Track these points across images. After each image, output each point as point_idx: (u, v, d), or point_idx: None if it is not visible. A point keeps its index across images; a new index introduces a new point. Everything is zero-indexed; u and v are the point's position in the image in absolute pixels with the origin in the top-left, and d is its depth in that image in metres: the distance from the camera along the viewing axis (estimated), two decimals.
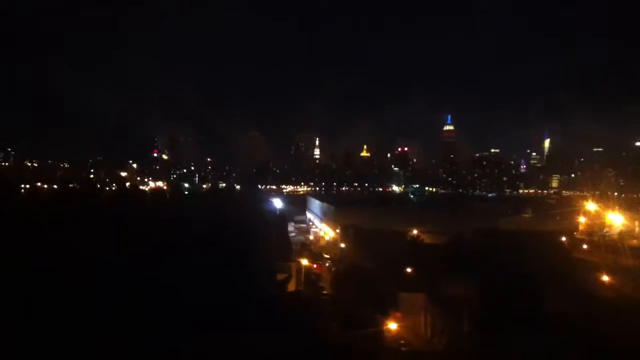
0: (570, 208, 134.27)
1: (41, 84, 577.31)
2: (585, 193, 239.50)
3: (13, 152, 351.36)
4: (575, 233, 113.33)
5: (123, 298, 33.56)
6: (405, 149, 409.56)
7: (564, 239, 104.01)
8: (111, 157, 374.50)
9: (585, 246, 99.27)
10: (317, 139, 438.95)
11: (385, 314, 54.07)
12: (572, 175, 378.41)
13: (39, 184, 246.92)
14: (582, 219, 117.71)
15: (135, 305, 33.22)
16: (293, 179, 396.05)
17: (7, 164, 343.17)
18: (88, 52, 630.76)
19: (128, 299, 33.50)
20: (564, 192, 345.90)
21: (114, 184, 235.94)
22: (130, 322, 31.05)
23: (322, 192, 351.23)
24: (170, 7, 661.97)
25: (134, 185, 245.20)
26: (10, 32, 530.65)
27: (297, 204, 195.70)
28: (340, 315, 52.89)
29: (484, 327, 47.70)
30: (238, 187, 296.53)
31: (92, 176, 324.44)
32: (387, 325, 53.10)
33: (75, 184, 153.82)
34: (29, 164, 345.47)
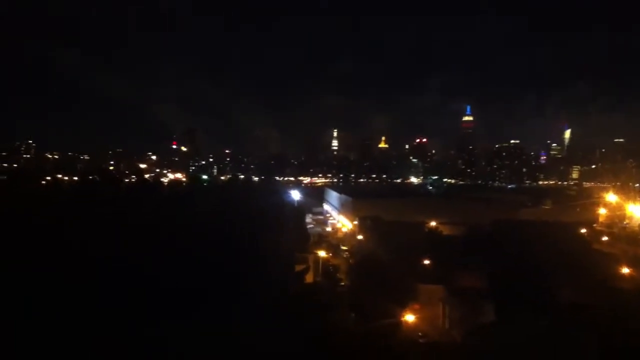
0: (591, 199, 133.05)
1: (62, 77, 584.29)
2: (605, 184, 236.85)
3: (34, 144, 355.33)
4: (595, 224, 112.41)
5: (146, 287, 34.04)
6: (424, 140, 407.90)
7: (583, 230, 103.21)
8: (131, 148, 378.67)
9: (605, 238, 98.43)
10: (335, 130, 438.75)
11: (403, 306, 54.07)
12: (593, 167, 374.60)
13: (59, 175, 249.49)
14: (602, 211, 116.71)
15: (161, 291, 33.73)
16: (311, 170, 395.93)
17: (28, 155, 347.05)
18: (108, 44, 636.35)
19: (151, 288, 33.98)
20: (584, 183, 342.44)
21: (133, 176, 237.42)
22: (154, 308, 31.57)
23: (340, 183, 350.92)
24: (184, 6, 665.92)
25: (154, 178, 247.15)
26: (29, 25, 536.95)
27: (315, 195, 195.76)
28: (357, 307, 52.99)
29: (502, 318, 47.59)
30: (256, 178, 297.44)
31: (111, 168, 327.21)
32: (404, 316, 53.15)
33: (95, 176, 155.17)
34: (50, 156, 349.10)
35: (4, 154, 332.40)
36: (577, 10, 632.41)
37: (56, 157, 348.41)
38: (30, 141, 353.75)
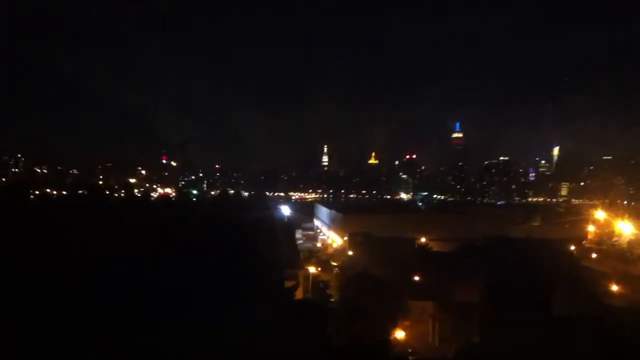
0: (579, 216, 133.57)
1: (51, 90, 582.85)
2: (594, 201, 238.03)
3: (23, 159, 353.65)
4: (584, 242, 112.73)
5: (135, 300, 33.73)
6: (414, 156, 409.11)
7: (572, 247, 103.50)
8: (120, 163, 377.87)
9: (594, 255, 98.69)
10: (326, 146, 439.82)
11: (393, 322, 53.85)
12: (582, 184, 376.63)
13: (48, 190, 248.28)
14: (591, 228, 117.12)
15: (150, 306, 33.46)
16: (301, 186, 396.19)
17: (17, 170, 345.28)
18: (97, 54, 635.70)
19: (140, 301, 33.68)
20: (573, 200, 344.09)
21: (122, 191, 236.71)
22: (140, 323, 31.28)
23: (330, 199, 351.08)
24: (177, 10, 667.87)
25: (143, 193, 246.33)
26: (23, 34, 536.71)
27: (305, 211, 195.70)
28: (347, 323, 52.74)
29: (492, 335, 47.52)
30: (246, 194, 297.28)
31: (100, 182, 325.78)
32: (394, 333, 52.94)
33: (84, 191, 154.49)
34: (39, 170, 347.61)
35: None
36: (575, 10, 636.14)
37: (45, 171, 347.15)
38: (19, 155, 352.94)
